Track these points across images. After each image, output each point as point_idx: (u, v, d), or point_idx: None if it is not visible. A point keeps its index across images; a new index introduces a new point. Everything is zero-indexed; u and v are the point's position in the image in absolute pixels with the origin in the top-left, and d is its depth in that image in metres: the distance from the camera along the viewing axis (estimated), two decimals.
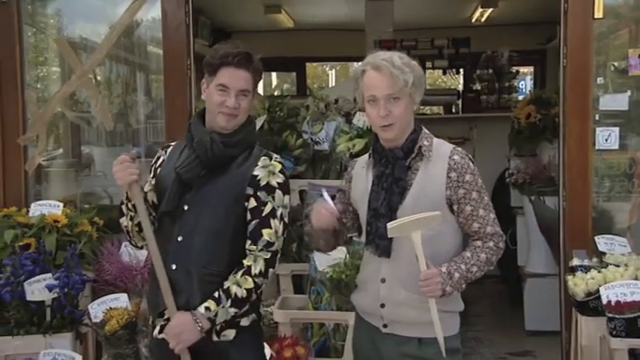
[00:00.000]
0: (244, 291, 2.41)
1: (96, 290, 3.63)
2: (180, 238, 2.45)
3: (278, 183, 2.49)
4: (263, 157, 2.52)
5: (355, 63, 14.72)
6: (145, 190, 2.57)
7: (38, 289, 3.38)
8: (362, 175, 2.56)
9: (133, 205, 2.49)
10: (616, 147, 3.93)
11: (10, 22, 4.16)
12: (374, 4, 7.03)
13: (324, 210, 2.46)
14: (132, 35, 4.61)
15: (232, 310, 2.41)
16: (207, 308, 2.39)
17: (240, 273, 2.43)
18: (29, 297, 3.37)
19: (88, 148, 5.14)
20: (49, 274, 3.40)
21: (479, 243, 2.44)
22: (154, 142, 4.80)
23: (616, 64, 4.06)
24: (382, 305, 2.46)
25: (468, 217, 2.44)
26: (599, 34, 3.94)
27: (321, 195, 2.54)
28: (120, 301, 3.37)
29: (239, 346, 2.48)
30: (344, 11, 7.97)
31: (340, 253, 3.47)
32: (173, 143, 2.67)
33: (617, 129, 3.91)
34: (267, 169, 2.50)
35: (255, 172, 2.49)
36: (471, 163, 2.45)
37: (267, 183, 2.48)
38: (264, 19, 7.99)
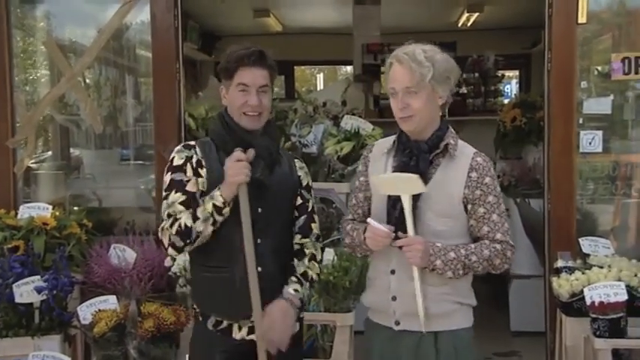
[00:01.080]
0: (315, 275, 2.63)
1: (85, 292, 3.63)
2: (259, 241, 2.48)
3: (311, 182, 2.72)
4: (295, 159, 2.70)
5: (343, 66, 14.82)
6: (191, 189, 2.49)
7: (27, 291, 3.37)
8: (382, 161, 2.54)
9: (232, 209, 2.43)
10: (600, 150, 3.98)
11: None
12: (361, 9, 7.08)
13: (380, 237, 2.39)
14: (121, 38, 4.61)
15: (308, 293, 2.61)
16: (296, 290, 2.54)
17: (306, 259, 2.61)
18: (17, 299, 3.37)
19: (77, 150, 5.15)
20: (38, 277, 3.40)
21: (486, 241, 2.44)
22: (142, 144, 4.82)
23: (599, 68, 4.12)
24: (393, 298, 2.45)
25: (479, 220, 2.43)
26: (583, 38, 4.00)
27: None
28: (109, 303, 3.36)
29: (297, 338, 2.61)
30: (332, 16, 8.02)
31: (328, 255, 3.50)
32: (192, 143, 2.60)
33: (600, 132, 3.96)
34: (303, 170, 2.69)
35: (298, 173, 2.66)
36: (492, 168, 2.47)
37: (307, 183, 2.68)
38: (253, 23, 8.03)
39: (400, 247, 2.38)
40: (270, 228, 2.53)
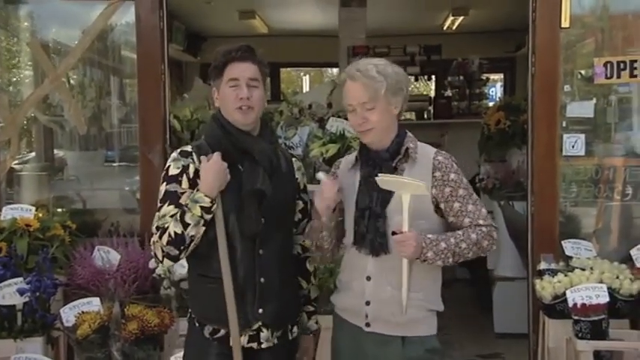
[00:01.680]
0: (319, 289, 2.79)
1: (68, 294, 3.61)
2: (261, 252, 2.49)
3: (307, 183, 2.72)
4: (294, 159, 2.69)
5: (329, 69, 14.85)
6: (185, 202, 2.43)
7: (9, 293, 3.35)
8: (349, 176, 2.60)
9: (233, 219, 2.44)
10: (582, 153, 4.01)
11: None
12: (347, 11, 7.09)
13: (326, 186, 2.46)
14: (106, 39, 4.59)
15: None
16: (317, 322, 2.75)
17: (311, 278, 2.73)
18: (0, 301, 3.35)
19: (61, 151, 5.12)
20: (21, 278, 3.38)
21: (472, 227, 2.49)
22: (127, 146, 4.80)
23: (582, 72, 4.16)
24: (367, 303, 2.50)
25: (458, 214, 2.49)
26: (566, 42, 4.03)
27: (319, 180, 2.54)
28: (92, 305, 3.35)
29: (297, 341, 2.69)
30: (317, 18, 8.02)
31: None
32: (189, 149, 2.52)
33: (583, 136, 3.99)
34: (300, 171, 2.69)
35: (296, 176, 2.66)
36: (454, 164, 2.53)
37: (305, 185, 2.70)
38: (239, 25, 8.01)
39: (362, 239, 2.48)
40: (273, 238, 2.51)
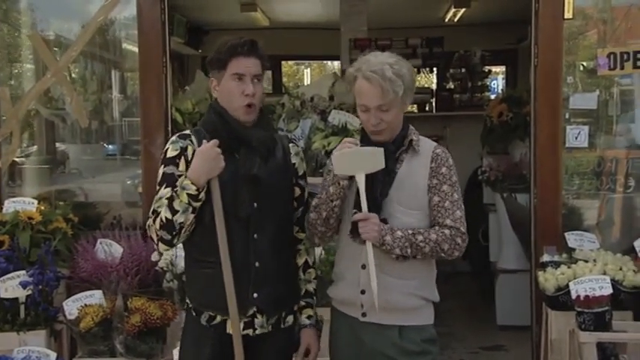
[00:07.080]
0: (315, 282, 2.72)
1: (71, 287, 3.62)
2: (255, 236, 2.49)
3: (305, 168, 2.69)
4: (291, 144, 2.66)
5: (330, 62, 14.83)
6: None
7: (12, 286, 3.36)
8: None
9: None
10: (585, 145, 4.01)
11: None
12: (348, 3, 7.06)
13: (346, 143, 2.46)
14: (107, 32, 4.59)
15: (315, 300, 2.72)
16: (309, 316, 2.69)
17: (302, 271, 2.69)
18: (2, 294, 3.36)
19: (63, 145, 5.12)
20: (23, 272, 3.39)
21: (436, 227, 2.51)
22: (129, 139, 4.80)
23: (585, 63, 4.15)
24: (362, 292, 2.51)
25: (434, 208, 2.51)
26: (569, 34, 4.02)
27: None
28: (95, 297, 3.36)
29: (292, 330, 2.66)
30: (319, 10, 8.01)
31: (316, 250, 3.49)
32: (188, 132, 2.56)
33: (586, 127, 3.99)
34: (299, 156, 2.67)
35: (293, 161, 2.63)
36: (450, 159, 2.56)
37: (304, 172, 2.68)
38: (240, 17, 7.98)
39: (356, 228, 2.45)
40: (267, 223, 2.51)
